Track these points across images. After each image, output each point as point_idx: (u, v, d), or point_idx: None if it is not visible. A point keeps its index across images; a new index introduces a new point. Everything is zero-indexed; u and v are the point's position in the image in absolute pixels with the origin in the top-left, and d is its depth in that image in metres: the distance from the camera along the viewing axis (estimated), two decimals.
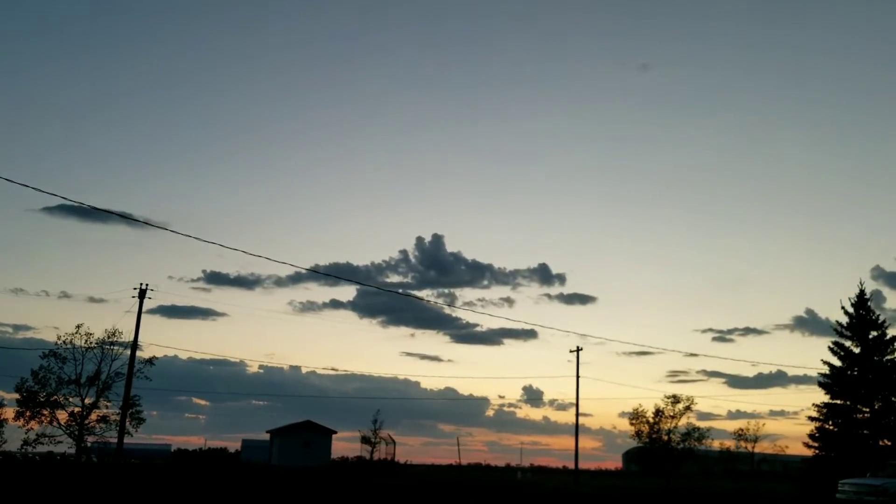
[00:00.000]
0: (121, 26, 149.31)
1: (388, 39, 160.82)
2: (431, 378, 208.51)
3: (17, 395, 42.37)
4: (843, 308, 41.96)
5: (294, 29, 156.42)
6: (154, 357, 43.71)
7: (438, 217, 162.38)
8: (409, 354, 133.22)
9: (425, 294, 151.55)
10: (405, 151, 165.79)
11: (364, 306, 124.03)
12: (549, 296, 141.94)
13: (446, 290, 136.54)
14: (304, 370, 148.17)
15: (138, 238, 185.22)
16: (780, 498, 37.64)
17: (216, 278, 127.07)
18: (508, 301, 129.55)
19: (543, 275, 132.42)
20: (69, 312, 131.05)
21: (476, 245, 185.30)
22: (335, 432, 72.05)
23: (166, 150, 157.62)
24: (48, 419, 42.72)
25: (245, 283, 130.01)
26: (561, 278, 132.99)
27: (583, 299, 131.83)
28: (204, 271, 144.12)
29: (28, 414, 42.18)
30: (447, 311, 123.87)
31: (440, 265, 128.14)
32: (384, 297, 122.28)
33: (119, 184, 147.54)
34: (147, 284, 40.25)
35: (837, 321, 42.11)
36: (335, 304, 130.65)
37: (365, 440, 58.90)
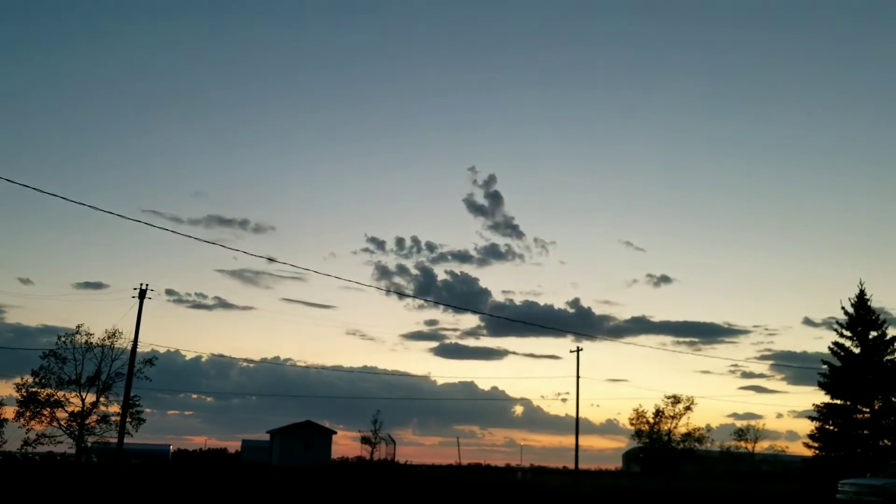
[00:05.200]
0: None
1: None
2: (450, 375, 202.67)
3: (17, 394, 42.48)
4: (842, 308, 42.01)
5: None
6: (155, 357, 43.82)
7: (506, 188, 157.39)
8: (430, 350, 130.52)
9: (487, 270, 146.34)
10: (467, 122, 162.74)
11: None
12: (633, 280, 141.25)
13: (504, 264, 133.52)
14: (307, 366, 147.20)
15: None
16: (780, 498, 37.63)
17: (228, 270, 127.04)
18: (574, 285, 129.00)
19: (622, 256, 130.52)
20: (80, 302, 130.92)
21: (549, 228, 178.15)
22: (335, 432, 72.11)
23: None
24: (48, 419, 42.77)
25: (256, 274, 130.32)
26: (639, 259, 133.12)
27: (666, 280, 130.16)
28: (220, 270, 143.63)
29: (28, 414, 42.23)
30: (491, 298, 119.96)
31: (505, 239, 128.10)
32: (413, 279, 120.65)
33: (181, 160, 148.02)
34: (147, 284, 40.27)
35: (837, 321, 42.18)
36: (356, 289, 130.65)
37: (365, 440, 58.99)
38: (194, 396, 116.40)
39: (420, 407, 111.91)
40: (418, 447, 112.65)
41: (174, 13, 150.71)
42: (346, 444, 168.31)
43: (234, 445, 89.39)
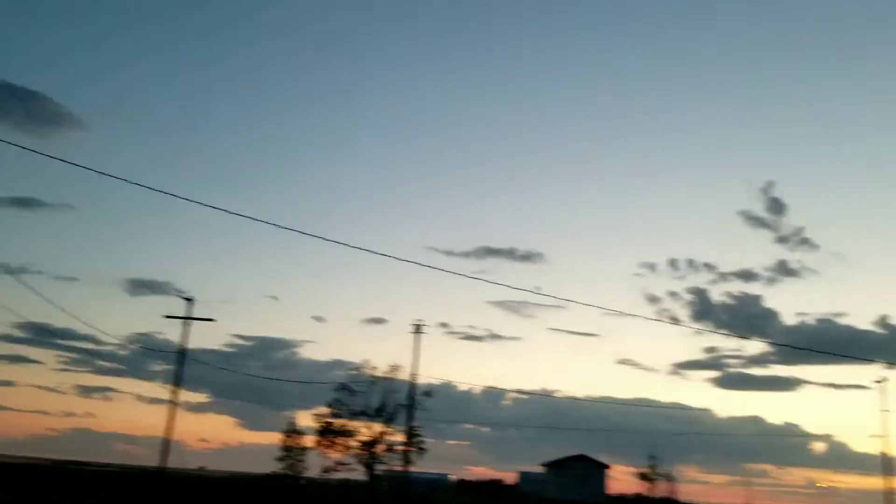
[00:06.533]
0: None
1: None
2: (734, 407, 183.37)
3: (315, 424, 46.57)
4: None
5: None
6: (432, 389, 45.73)
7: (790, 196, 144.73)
8: (710, 380, 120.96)
9: (777, 289, 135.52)
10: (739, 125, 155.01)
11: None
12: None
13: (797, 282, 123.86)
14: (576, 398, 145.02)
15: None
16: None
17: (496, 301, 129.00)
18: (883, 301, 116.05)
19: None
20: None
21: None
22: (608, 467, 69.86)
23: None
24: (343, 448, 46.34)
25: (520, 303, 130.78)
26: None
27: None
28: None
29: (326, 442, 46.09)
30: (781, 321, 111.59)
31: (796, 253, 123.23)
32: (687, 304, 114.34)
33: None
34: (421, 319, 42.21)
35: None
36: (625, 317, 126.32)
37: (643, 476, 56.34)
38: (468, 426, 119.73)
39: (702, 442, 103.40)
40: (703, 485, 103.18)
41: None
42: (621, 479, 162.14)
43: (509, 476, 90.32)
